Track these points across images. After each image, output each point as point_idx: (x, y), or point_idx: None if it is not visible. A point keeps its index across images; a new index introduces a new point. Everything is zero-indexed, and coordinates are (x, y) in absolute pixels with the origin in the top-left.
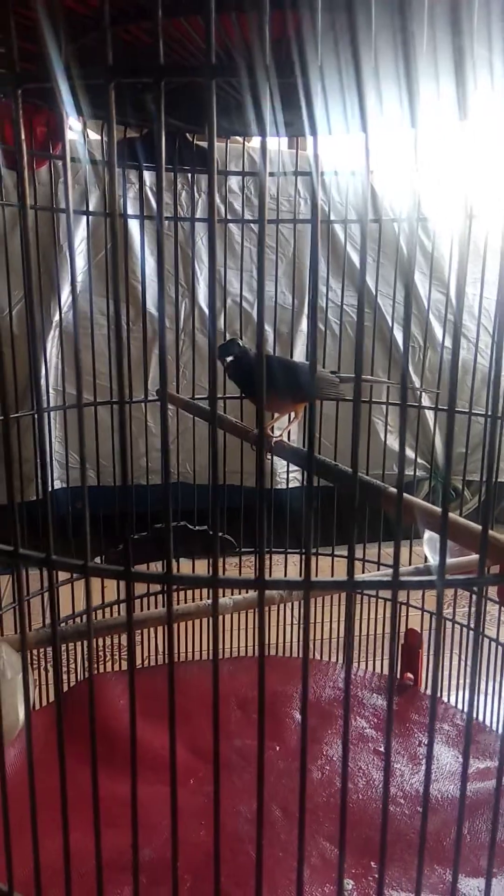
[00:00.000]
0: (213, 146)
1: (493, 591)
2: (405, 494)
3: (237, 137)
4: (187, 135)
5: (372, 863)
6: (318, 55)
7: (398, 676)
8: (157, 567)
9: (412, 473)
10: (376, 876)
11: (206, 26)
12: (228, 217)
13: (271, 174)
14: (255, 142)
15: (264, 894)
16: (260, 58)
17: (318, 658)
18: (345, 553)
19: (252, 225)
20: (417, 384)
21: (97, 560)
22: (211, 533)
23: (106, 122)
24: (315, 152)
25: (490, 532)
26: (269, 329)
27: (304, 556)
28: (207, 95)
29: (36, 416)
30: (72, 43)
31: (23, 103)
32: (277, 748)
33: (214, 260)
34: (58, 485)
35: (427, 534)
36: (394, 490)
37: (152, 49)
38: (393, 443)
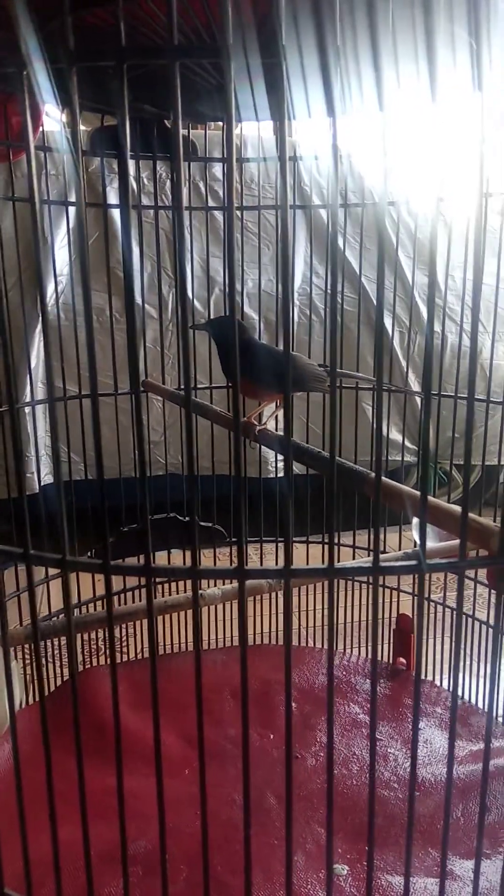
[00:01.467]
0: (179, 129)
1: (483, 575)
2: (389, 480)
3: (219, 124)
4: (165, 122)
5: (366, 847)
6: (282, 36)
7: (391, 661)
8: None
9: (400, 459)
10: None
11: (168, 6)
12: (212, 205)
13: (247, 160)
14: (238, 128)
15: (260, 882)
16: (226, 38)
17: (311, 645)
18: (336, 541)
19: (236, 212)
20: (404, 367)
21: (89, 554)
22: (193, 523)
23: (69, 108)
24: (281, 134)
25: (472, 515)
26: (255, 316)
27: (284, 544)
28: (171, 78)
29: (12, 408)
30: (40, 29)
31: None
32: (271, 736)
33: (183, 244)
34: (48, 480)
35: (415, 519)
36: (374, 475)
37: (115, 32)
38: (383, 429)
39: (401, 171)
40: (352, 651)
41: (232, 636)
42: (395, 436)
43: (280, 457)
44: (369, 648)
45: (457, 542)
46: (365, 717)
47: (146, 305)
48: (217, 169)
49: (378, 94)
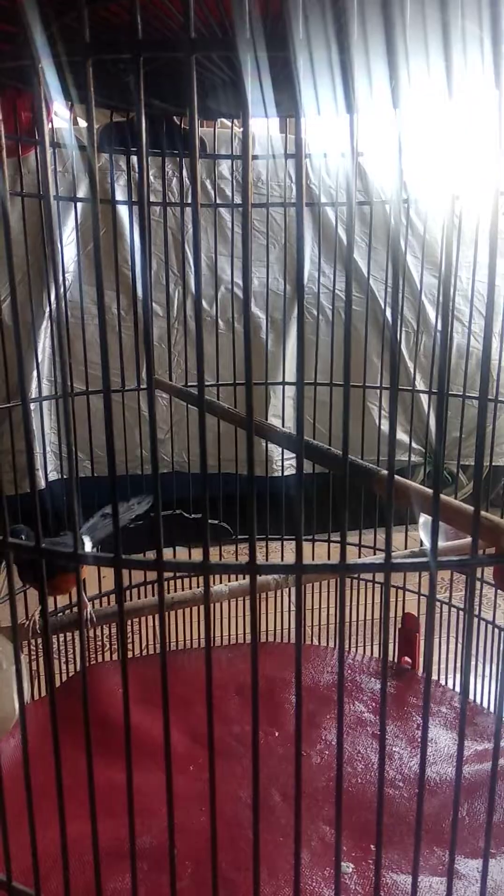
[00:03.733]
0: (195, 123)
1: (489, 576)
2: (400, 478)
3: (226, 122)
4: (174, 118)
5: (371, 846)
6: (298, 30)
7: (396, 661)
8: (152, 556)
9: (407, 459)
10: (374, 859)
11: None
12: (219, 202)
13: (255, 157)
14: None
15: (265, 878)
16: (241, 31)
17: (316, 643)
18: (338, 541)
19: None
20: (411, 368)
21: (95, 549)
22: (202, 519)
23: (85, 100)
24: (299, 130)
25: (483, 513)
26: (261, 315)
27: (296, 540)
28: (187, 71)
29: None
30: (53, 23)
31: (5, 87)
32: (277, 734)
33: (199, 243)
34: (54, 476)
35: (422, 518)
36: (386, 473)
37: (131, 25)
38: (388, 428)
39: (412, 170)
40: (357, 650)
41: (237, 634)
42: (402, 436)
43: (287, 455)
44: (375, 647)
45: (463, 541)
46: (370, 715)
47: (152, 303)
48: (224, 167)
49: (393, 91)
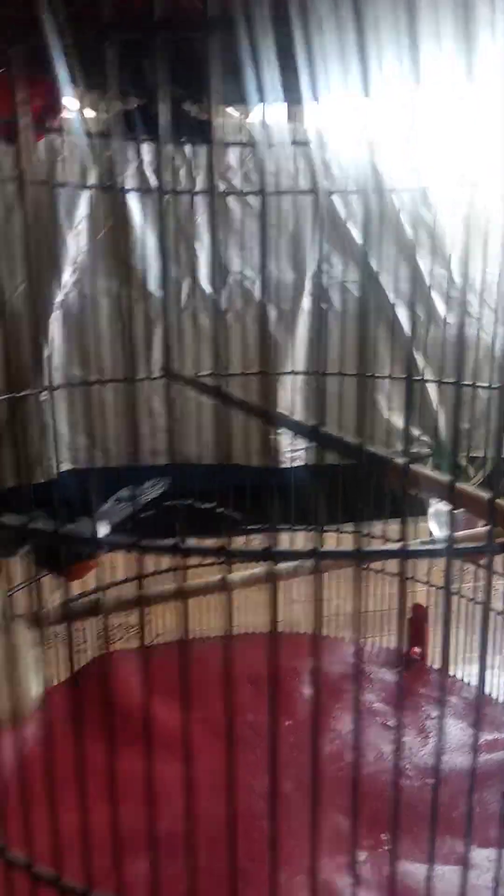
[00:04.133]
0: (212, 106)
1: (497, 566)
2: (414, 466)
3: (234, 112)
4: (184, 107)
5: (382, 835)
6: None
7: (406, 651)
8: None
9: (415, 451)
10: (388, 847)
11: None
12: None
13: (271, 145)
14: (253, 115)
15: (278, 867)
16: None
17: (327, 634)
18: (353, 530)
19: (251, 201)
20: (420, 362)
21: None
22: (219, 509)
23: (100, 90)
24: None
25: (498, 500)
26: (270, 306)
27: (314, 529)
28: (206, 52)
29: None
30: (67, 8)
31: (18, 73)
32: (288, 723)
33: (217, 232)
34: (66, 467)
35: (432, 508)
36: (399, 461)
37: (149, 8)
38: (396, 420)
39: (424, 159)
40: (366, 640)
41: (247, 624)
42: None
43: (297, 446)
44: (384, 638)
45: (474, 531)
46: (380, 705)
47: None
48: (232, 158)
49: (414, 72)
